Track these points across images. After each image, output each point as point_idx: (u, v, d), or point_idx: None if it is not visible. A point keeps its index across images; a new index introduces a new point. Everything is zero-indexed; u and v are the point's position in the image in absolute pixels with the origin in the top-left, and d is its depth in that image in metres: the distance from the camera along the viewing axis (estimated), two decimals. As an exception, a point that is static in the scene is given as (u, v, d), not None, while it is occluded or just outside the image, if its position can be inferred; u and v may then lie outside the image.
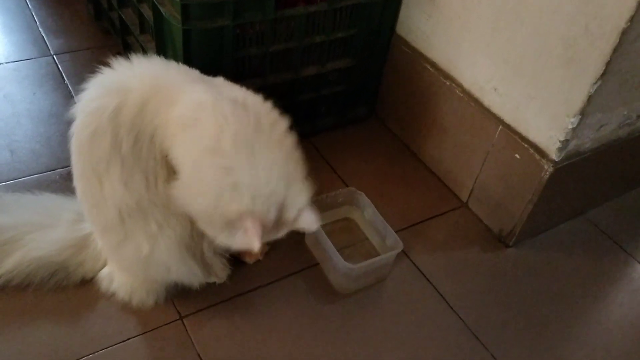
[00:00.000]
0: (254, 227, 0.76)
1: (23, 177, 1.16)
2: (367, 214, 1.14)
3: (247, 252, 1.05)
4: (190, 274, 0.93)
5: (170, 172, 0.82)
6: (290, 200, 0.81)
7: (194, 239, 0.89)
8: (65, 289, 0.96)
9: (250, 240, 0.77)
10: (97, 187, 0.81)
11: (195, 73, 0.87)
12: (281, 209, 0.80)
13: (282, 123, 0.83)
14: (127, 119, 0.78)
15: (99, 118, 0.78)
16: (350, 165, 1.31)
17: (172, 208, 0.83)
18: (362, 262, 1.00)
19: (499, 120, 1.13)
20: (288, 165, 0.81)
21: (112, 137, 0.78)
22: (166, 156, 0.80)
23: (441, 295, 1.07)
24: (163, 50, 1.12)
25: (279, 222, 0.81)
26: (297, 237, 1.12)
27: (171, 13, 1.02)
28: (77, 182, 0.85)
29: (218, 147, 0.76)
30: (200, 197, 0.78)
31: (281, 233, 0.84)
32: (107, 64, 0.84)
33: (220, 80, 0.87)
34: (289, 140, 0.83)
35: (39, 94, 1.37)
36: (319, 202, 1.09)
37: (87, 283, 0.98)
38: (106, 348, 0.90)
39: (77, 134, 0.81)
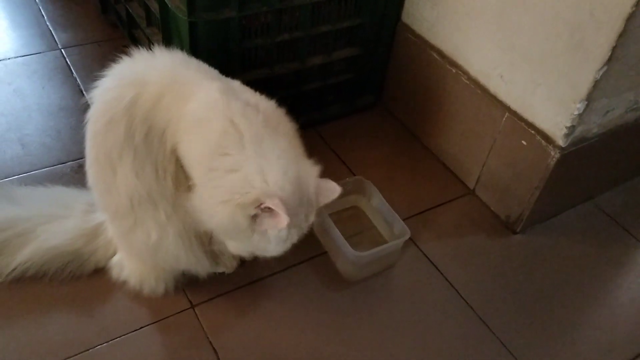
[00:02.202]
0: (275, 204, 0.74)
1: (35, 170, 1.17)
2: (374, 202, 1.15)
3: None
4: (197, 264, 0.94)
5: (178, 168, 0.83)
6: (303, 174, 0.80)
7: (202, 230, 0.90)
8: (79, 279, 0.98)
9: (279, 219, 0.75)
10: (109, 174, 0.83)
11: (214, 72, 0.88)
12: (298, 185, 0.79)
13: (290, 124, 0.85)
14: (142, 111, 0.79)
15: (115, 107, 0.79)
16: (357, 153, 1.32)
17: (190, 218, 0.85)
18: (370, 250, 1.01)
19: (506, 107, 1.13)
20: (294, 149, 0.83)
21: (126, 127, 0.79)
22: (175, 151, 0.82)
23: (449, 282, 1.08)
24: (169, 43, 1.13)
25: (302, 201, 0.80)
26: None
27: (177, 5, 1.03)
28: (90, 168, 0.87)
29: (224, 150, 0.78)
30: (219, 205, 0.78)
31: (311, 216, 0.83)
32: (128, 54, 0.85)
33: (237, 84, 0.89)
34: (296, 137, 0.85)
35: (48, 87, 1.38)
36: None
37: (100, 273, 0.99)
38: (120, 337, 0.92)
39: (93, 120, 0.83)
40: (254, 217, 0.77)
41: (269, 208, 0.75)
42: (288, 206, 0.75)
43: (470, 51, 1.17)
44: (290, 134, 0.84)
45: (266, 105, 0.85)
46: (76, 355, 0.89)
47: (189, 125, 0.80)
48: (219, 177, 0.78)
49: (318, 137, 1.34)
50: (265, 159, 0.77)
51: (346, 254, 1.01)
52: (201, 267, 0.95)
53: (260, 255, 0.86)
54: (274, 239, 0.80)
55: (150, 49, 0.86)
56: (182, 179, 0.85)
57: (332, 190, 0.83)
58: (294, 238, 0.83)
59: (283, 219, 0.74)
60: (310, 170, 0.82)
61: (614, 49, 0.91)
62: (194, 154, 0.80)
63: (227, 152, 0.77)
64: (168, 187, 0.84)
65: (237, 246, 0.85)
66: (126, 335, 0.93)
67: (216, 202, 0.78)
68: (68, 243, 0.96)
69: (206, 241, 0.93)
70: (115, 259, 0.99)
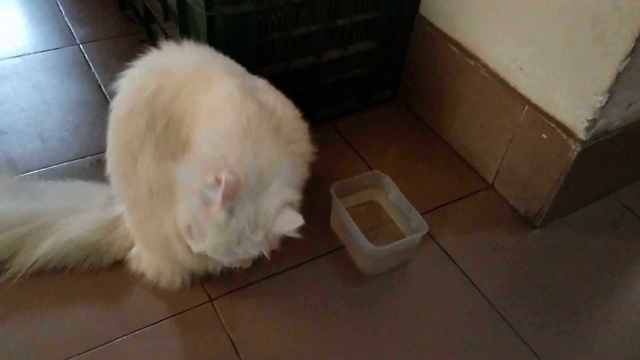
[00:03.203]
0: (227, 179, 0.72)
1: (54, 165, 1.19)
2: (391, 197, 1.14)
3: None
4: (206, 260, 0.93)
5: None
6: (274, 191, 0.79)
7: None
8: (99, 272, 0.99)
9: (221, 195, 0.73)
10: (130, 163, 0.84)
11: (240, 69, 0.89)
12: (261, 193, 0.77)
13: (306, 146, 0.87)
14: (164, 101, 0.81)
15: (139, 97, 0.81)
16: (374, 148, 1.31)
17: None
18: (388, 244, 1.00)
19: (525, 100, 1.11)
20: (286, 169, 0.81)
21: (148, 117, 0.81)
22: (188, 140, 0.83)
23: (467, 277, 1.08)
24: (187, 37, 1.12)
25: (256, 211, 0.77)
26: (322, 221, 1.13)
27: (195, 0, 1.03)
28: (110, 156, 0.88)
29: (226, 135, 0.78)
30: (188, 163, 0.79)
31: (255, 237, 0.79)
32: (147, 48, 0.87)
33: (262, 83, 0.89)
34: (301, 161, 0.86)
35: (66, 82, 1.39)
36: (343, 186, 1.10)
37: (119, 265, 1.00)
38: (139, 329, 0.93)
39: (117, 109, 0.84)
40: (206, 186, 0.76)
41: (219, 182, 0.73)
42: (236, 197, 0.74)
43: (490, 43, 1.16)
44: (296, 154, 0.84)
45: (285, 113, 0.85)
46: (96, 347, 0.90)
47: (203, 115, 0.81)
48: (205, 147, 0.79)
49: (334, 131, 1.34)
50: (253, 158, 0.78)
51: (364, 248, 1.01)
52: (211, 263, 0.95)
53: (202, 250, 0.83)
54: (213, 220, 0.77)
55: (174, 43, 0.88)
56: None
57: (293, 221, 0.78)
58: (226, 247, 0.79)
59: (225, 195, 0.73)
60: (284, 195, 0.79)
61: (637, 40, 0.89)
62: (201, 137, 0.81)
63: (223, 139, 0.78)
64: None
65: (180, 211, 0.82)
66: (145, 328, 0.93)
67: (191, 162, 0.79)
68: (87, 235, 0.97)
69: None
70: (134, 251, 1.00)
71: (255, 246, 0.80)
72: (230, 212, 0.76)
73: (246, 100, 0.81)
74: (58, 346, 0.90)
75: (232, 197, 0.74)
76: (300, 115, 0.94)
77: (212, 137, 0.80)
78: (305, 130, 0.94)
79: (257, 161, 0.78)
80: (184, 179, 0.79)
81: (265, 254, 0.83)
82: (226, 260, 0.83)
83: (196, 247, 0.82)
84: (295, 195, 0.82)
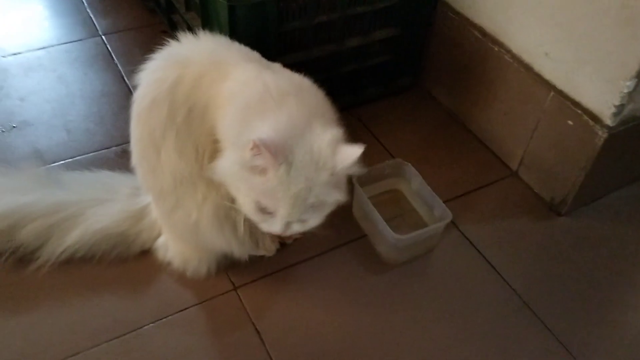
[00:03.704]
0: (263, 142, 0.71)
1: (79, 156, 1.20)
2: (414, 185, 1.14)
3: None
4: (231, 246, 0.95)
5: (215, 148, 0.84)
6: (314, 129, 0.77)
7: (235, 211, 0.89)
8: (126, 261, 1.01)
9: (267, 155, 0.72)
10: (153, 154, 0.85)
11: (255, 55, 0.90)
12: (300, 142, 0.76)
13: (327, 104, 0.85)
14: (184, 90, 0.82)
15: (159, 88, 0.82)
16: (396, 136, 1.31)
17: (215, 181, 0.84)
18: (411, 233, 1.00)
19: (551, 86, 1.09)
20: (315, 103, 0.82)
21: (169, 107, 0.82)
22: (213, 129, 0.83)
23: (492, 265, 1.07)
24: (209, 27, 1.13)
25: (304, 160, 0.75)
26: (344, 210, 1.13)
27: (216, -11, 1.03)
28: (134, 147, 0.89)
29: (246, 106, 0.79)
30: (224, 154, 0.79)
31: (320, 178, 0.76)
32: (169, 39, 0.87)
33: (276, 66, 0.89)
34: (330, 118, 0.83)
35: (90, 74, 1.41)
36: (365, 175, 1.09)
37: (146, 254, 1.02)
38: (166, 317, 0.95)
39: (138, 101, 0.85)
40: (251, 158, 0.75)
41: (257, 146, 0.72)
42: (281, 150, 0.73)
43: (513, 28, 1.14)
44: (321, 111, 0.83)
45: (301, 81, 0.85)
46: (124, 335, 0.92)
47: (224, 101, 0.81)
48: (236, 127, 0.79)
49: (356, 120, 1.33)
50: (279, 110, 0.77)
51: (387, 237, 1.01)
52: (237, 249, 0.96)
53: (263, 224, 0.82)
54: (277, 179, 0.75)
55: (191, 34, 0.88)
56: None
57: (351, 152, 0.76)
58: (301, 200, 0.77)
59: (270, 151, 0.72)
60: (327, 132, 0.78)
61: (668, 23, 0.87)
62: (227, 122, 0.81)
63: (247, 110, 0.79)
64: (205, 167, 0.85)
65: (243, 200, 0.80)
66: (172, 316, 0.95)
67: (225, 152, 0.79)
68: (115, 225, 0.98)
69: (241, 224, 0.92)
70: (160, 240, 1.01)
71: (326, 190, 0.78)
72: (287, 163, 0.75)
73: (261, 73, 0.81)
74: (87, 333, 0.92)
75: (277, 150, 0.73)
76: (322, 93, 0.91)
77: (235, 115, 0.80)
78: (329, 110, 0.89)
79: (283, 111, 0.77)
80: (229, 170, 0.79)
81: (341, 196, 0.81)
82: (306, 222, 0.81)
83: (275, 223, 0.79)
84: (337, 130, 0.80)
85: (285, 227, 0.80)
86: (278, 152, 0.73)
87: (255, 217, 0.81)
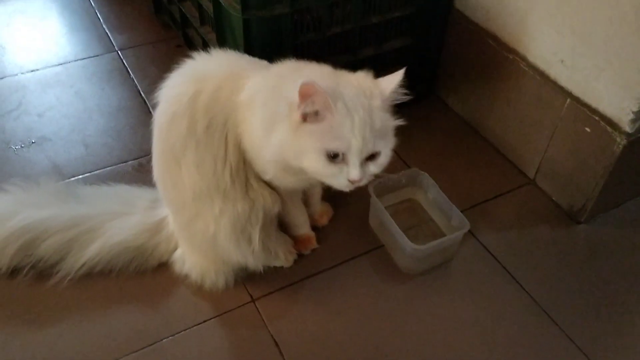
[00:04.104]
0: (303, 84, 0.72)
1: (98, 170, 1.22)
2: (431, 195, 1.13)
3: (303, 242, 1.06)
4: (244, 259, 0.95)
5: (240, 160, 0.87)
6: (345, 76, 0.83)
7: (250, 226, 0.91)
8: (144, 274, 1.01)
9: (319, 97, 0.73)
10: (175, 168, 0.87)
11: (263, 62, 0.92)
12: (339, 85, 0.78)
13: None
14: (203, 104, 0.84)
15: (179, 102, 0.84)
16: (411, 145, 1.30)
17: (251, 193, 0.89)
18: (430, 243, 0.99)
19: (567, 93, 1.09)
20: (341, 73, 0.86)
21: (189, 121, 0.84)
22: (239, 143, 0.85)
23: (511, 274, 1.06)
24: (223, 41, 1.14)
25: (350, 99, 0.77)
26: (361, 220, 1.13)
27: (230, 3, 1.04)
28: (156, 163, 0.91)
29: (268, 93, 0.82)
30: (269, 136, 0.80)
31: (376, 113, 0.78)
32: (186, 55, 0.90)
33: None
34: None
35: (107, 89, 1.43)
36: (382, 185, 1.09)
37: (163, 267, 1.02)
38: (184, 330, 0.95)
39: (159, 117, 0.88)
40: (304, 108, 0.75)
41: (304, 94, 0.73)
42: (327, 87, 0.74)
43: (528, 36, 1.13)
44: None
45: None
46: (143, 349, 0.92)
47: (246, 112, 0.83)
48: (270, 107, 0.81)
49: (371, 129, 1.33)
50: (304, 72, 0.82)
51: (405, 248, 1.00)
52: (251, 262, 0.96)
53: (327, 179, 0.81)
54: (339, 112, 0.75)
55: (206, 49, 0.90)
56: (241, 173, 0.88)
57: (392, 78, 0.81)
58: (369, 126, 0.77)
59: (317, 87, 0.72)
60: (360, 73, 0.83)
61: (686, 28, 0.86)
62: (256, 126, 0.83)
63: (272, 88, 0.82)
64: (225, 182, 0.87)
65: (311, 161, 0.78)
66: (190, 329, 0.95)
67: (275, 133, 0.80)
68: (133, 238, 0.99)
69: (256, 238, 0.93)
70: (177, 253, 1.02)
71: (385, 115, 0.81)
72: (340, 99, 0.76)
73: (269, 71, 0.85)
74: (107, 347, 0.92)
75: (323, 88, 0.73)
76: None
77: (261, 109, 0.82)
78: None
79: (304, 72, 0.82)
80: (284, 143, 0.78)
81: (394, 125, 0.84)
82: (377, 159, 0.81)
83: (350, 168, 0.78)
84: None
85: (360, 169, 0.78)
86: (328, 88, 0.74)
87: (327, 173, 0.79)
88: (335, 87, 0.77)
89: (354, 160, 0.78)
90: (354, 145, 0.76)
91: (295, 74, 0.81)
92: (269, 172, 0.87)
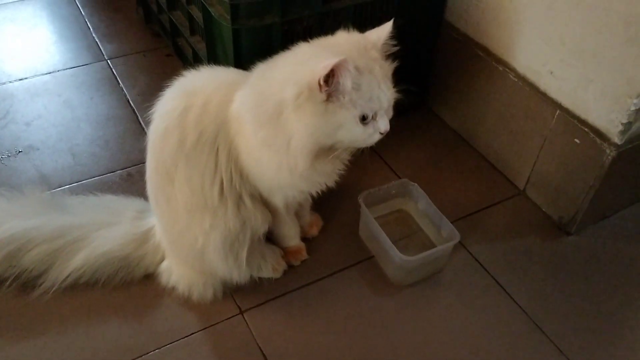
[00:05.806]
0: (327, 63, 0.72)
1: (85, 180, 1.20)
2: (421, 205, 1.13)
3: (293, 253, 1.06)
4: (230, 274, 0.95)
5: (236, 174, 0.87)
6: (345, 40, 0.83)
7: (238, 244, 0.91)
8: (129, 285, 1.00)
9: (340, 66, 0.72)
10: (169, 185, 0.87)
11: (247, 73, 0.91)
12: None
13: None
14: (193, 117, 0.84)
15: (170, 117, 0.85)
16: (402, 156, 1.30)
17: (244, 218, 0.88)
18: (419, 254, 0.99)
19: (556, 105, 1.09)
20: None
21: (179, 135, 0.84)
22: (235, 158, 0.85)
23: (501, 285, 1.05)
24: (213, 51, 1.13)
25: (360, 57, 0.78)
26: (350, 231, 1.12)
27: (220, 13, 1.04)
28: (149, 179, 0.92)
29: (256, 89, 0.82)
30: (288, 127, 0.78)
31: (384, 70, 0.81)
32: (180, 67, 0.90)
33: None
34: None
35: (96, 98, 1.41)
36: (372, 195, 1.09)
37: (150, 279, 1.01)
38: (171, 343, 0.93)
39: (152, 133, 0.88)
40: (327, 93, 0.75)
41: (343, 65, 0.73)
42: (343, 58, 0.73)
43: (518, 48, 1.14)
44: None
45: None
46: (129, 361, 0.90)
47: (237, 125, 0.84)
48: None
49: (361, 140, 1.33)
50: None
51: (394, 259, 1.00)
52: (236, 277, 0.96)
53: (354, 144, 0.82)
54: (366, 78, 0.77)
55: (196, 59, 0.90)
56: (234, 190, 0.87)
57: (381, 29, 0.83)
58: (380, 95, 0.79)
59: (340, 60, 0.71)
60: (343, 36, 0.84)
61: (673, 40, 0.87)
62: (251, 134, 0.82)
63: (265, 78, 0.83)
64: (213, 197, 0.86)
65: (347, 130, 0.79)
66: (177, 342, 0.93)
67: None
68: (119, 249, 0.98)
69: (243, 255, 0.93)
70: (164, 264, 1.00)
71: (386, 63, 0.83)
72: (357, 64, 0.76)
73: (250, 78, 0.85)
74: (92, 360, 0.90)
75: (347, 60, 0.72)
76: None
77: (255, 107, 0.81)
78: None
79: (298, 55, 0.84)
80: (316, 125, 0.77)
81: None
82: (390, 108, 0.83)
83: (380, 120, 0.81)
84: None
85: (387, 119, 0.82)
86: (348, 58, 0.72)
87: (364, 136, 0.81)
88: (344, 56, 0.75)
89: (382, 113, 0.81)
90: (384, 101, 0.80)
91: (281, 67, 0.82)
92: (286, 178, 0.85)
